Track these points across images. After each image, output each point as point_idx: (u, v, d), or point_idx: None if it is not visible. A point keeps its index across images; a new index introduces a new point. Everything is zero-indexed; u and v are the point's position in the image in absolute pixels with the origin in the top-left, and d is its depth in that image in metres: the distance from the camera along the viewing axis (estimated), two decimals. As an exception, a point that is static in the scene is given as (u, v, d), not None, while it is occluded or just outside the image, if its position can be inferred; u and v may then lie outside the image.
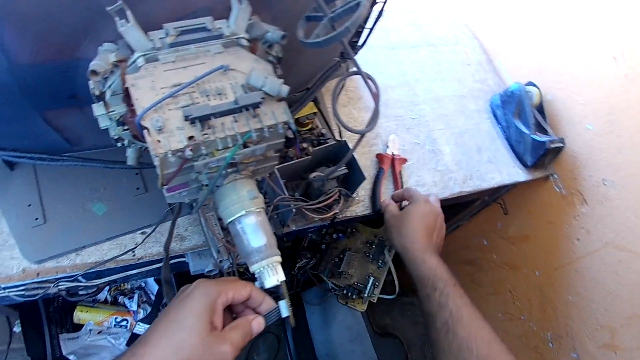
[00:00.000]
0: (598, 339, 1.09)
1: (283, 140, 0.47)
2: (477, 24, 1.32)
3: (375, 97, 0.50)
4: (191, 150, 0.40)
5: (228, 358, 0.49)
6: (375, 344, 1.33)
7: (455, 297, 0.71)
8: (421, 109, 1.09)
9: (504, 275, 1.34)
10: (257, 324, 0.53)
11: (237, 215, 0.47)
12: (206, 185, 0.48)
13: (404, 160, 1.00)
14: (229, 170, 0.46)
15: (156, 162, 0.40)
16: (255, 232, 0.47)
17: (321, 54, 0.70)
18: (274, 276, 0.48)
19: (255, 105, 0.42)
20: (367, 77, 0.49)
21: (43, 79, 0.46)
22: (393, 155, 0.98)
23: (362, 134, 0.52)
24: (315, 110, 0.90)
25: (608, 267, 1.04)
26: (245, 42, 0.47)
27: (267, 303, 0.54)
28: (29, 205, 0.76)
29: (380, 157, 0.98)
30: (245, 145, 0.44)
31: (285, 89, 0.43)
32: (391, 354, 1.36)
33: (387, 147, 1.00)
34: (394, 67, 1.14)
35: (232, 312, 0.57)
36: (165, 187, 0.45)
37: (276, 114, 0.44)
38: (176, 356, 0.47)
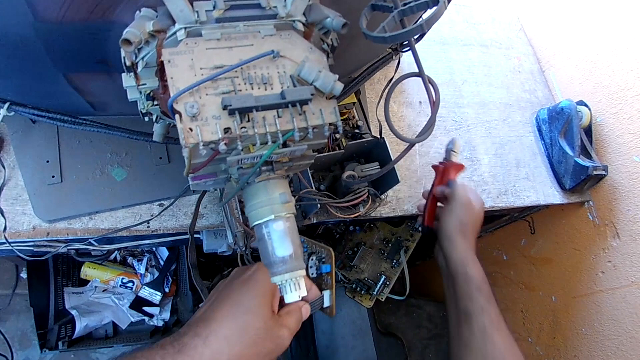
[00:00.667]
0: (606, 377, 1.04)
1: (325, 141, 0.43)
2: (533, 30, 1.24)
3: (434, 105, 0.45)
4: (226, 144, 0.35)
5: (285, 343, 0.49)
6: (376, 342, 1.30)
7: (495, 305, 0.70)
8: (464, 112, 1.03)
9: (518, 294, 1.30)
10: (306, 310, 0.54)
11: (265, 219, 0.43)
12: (236, 179, 0.44)
13: (461, 167, 0.83)
14: (264, 168, 0.42)
15: (185, 153, 0.36)
16: (282, 240, 0.43)
17: (375, 46, 0.65)
18: (296, 292, 0.44)
19: (304, 102, 0.37)
20: (428, 82, 0.44)
21: (71, 39, 0.42)
22: (445, 162, 0.83)
23: (412, 145, 0.47)
24: (355, 100, 0.85)
25: (629, 307, 0.99)
26: (300, 26, 0.41)
27: (314, 292, 0.54)
28: (47, 161, 0.73)
29: (436, 169, 0.84)
30: (285, 144, 0.39)
31: (339, 87, 0.38)
32: (391, 354, 1.33)
33: (451, 152, 0.83)
34: (442, 64, 1.08)
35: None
36: (191, 175, 0.41)
37: (324, 114, 0.39)
38: (241, 337, 0.46)
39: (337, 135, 0.85)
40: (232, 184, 0.45)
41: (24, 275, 1.29)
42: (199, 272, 0.64)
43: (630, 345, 0.98)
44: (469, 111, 1.04)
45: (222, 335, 0.46)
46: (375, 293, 1.23)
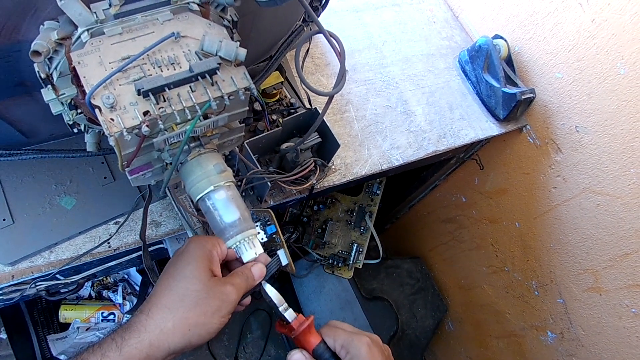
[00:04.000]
0: (582, 283, 1.11)
1: (246, 108, 0.45)
2: (439, -20, 1.30)
3: (340, 55, 0.48)
4: (147, 126, 0.37)
5: (232, 298, 0.50)
6: (365, 309, 1.34)
7: None
8: (390, 70, 1.08)
9: (485, 230, 1.36)
10: (258, 269, 0.54)
11: (206, 192, 0.45)
12: (170, 163, 0.46)
13: (310, 320, 0.59)
14: (192, 144, 0.44)
15: (112, 142, 0.37)
16: (226, 207, 0.45)
17: (281, 19, 0.68)
18: (252, 249, 0.47)
19: (212, 72, 0.40)
20: (330, 36, 0.47)
21: (-16, 68, 0.43)
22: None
23: (331, 97, 0.50)
24: (282, 79, 0.87)
25: (586, 212, 1.05)
26: (195, 7, 0.44)
27: (263, 256, 0.55)
28: (-6, 207, 0.73)
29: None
30: (205, 116, 0.41)
31: (242, 52, 0.41)
32: (382, 316, 1.38)
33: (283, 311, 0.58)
34: (359, 30, 1.12)
35: (230, 270, 0.57)
36: (127, 169, 0.43)
37: (235, 80, 0.41)
38: (181, 303, 0.48)
39: (274, 117, 0.87)
40: (169, 171, 0.47)
41: (3, 335, 1.26)
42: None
43: (596, 246, 1.05)
44: (394, 69, 1.08)
45: (163, 305, 0.48)
46: (352, 262, 1.27)
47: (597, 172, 1.00)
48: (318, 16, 0.74)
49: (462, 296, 1.54)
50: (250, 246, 0.47)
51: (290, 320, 0.56)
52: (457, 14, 1.25)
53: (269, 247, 0.61)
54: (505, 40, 1.09)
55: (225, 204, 0.45)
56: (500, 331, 1.41)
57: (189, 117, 0.40)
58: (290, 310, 0.56)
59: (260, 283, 0.55)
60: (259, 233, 0.58)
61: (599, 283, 1.07)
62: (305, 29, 0.75)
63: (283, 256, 0.53)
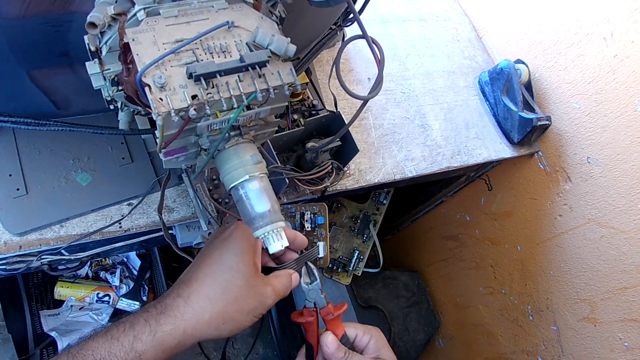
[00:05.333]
0: (578, 312, 1.11)
1: (286, 104, 0.46)
2: (467, 1, 1.31)
3: (380, 63, 0.49)
4: (195, 109, 0.38)
5: (268, 301, 0.49)
6: (359, 317, 1.34)
7: None
8: (411, 83, 1.09)
9: (486, 250, 1.36)
10: (295, 278, 0.55)
11: (240, 180, 0.46)
12: (205, 149, 0.47)
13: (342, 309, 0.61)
14: (232, 133, 0.45)
15: (159, 122, 0.38)
16: (259, 198, 0.46)
17: (320, 21, 0.68)
18: (279, 241, 0.48)
19: (262, 64, 0.40)
20: (372, 42, 0.48)
21: (34, 34, 0.43)
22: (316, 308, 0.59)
23: (366, 101, 0.51)
24: (307, 80, 0.88)
25: (589, 243, 1.06)
26: (250, -1, 0.45)
27: (300, 238, 0.55)
28: (10, 175, 0.72)
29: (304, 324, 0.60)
30: (248, 107, 0.42)
31: (292, 48, 0.41)
32: (375, 326, 1.37)
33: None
34: (385, 40, 1.13)
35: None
36: (163, 150, 0.44)
37: (282, 75, 0.42)
38: (222, 295, 0.47)
39: (295, 116, 0.88)
40: (203, 157, 0.47)
41: (-4, 305, 1.26)
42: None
43: (596, 278, 1.06)
44: (415, 82, 1.10)
45: (204, 293, 0.47)
46: (351, 269, 1.27)
47: (604, 205, 1.01)
48: (351, 24, 0.75)
49: (456, 314, 1.54)
50: (278, 238, 0.48)
51: (325, 304, 0.57)
52: (481, 35, 1.27)
53: (310, 238, 0.62)
54: (527, 66, 1.11)
55: (258, 194, 0.46)
56: (491, 353, 1.41)
57: (235, 105, 0.40)
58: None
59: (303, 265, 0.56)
60: (307, 221, 0.59)
61: (594, 314, 1.08)
62: (338, 33, 0.76)
63: (322, 248, 0.54)
